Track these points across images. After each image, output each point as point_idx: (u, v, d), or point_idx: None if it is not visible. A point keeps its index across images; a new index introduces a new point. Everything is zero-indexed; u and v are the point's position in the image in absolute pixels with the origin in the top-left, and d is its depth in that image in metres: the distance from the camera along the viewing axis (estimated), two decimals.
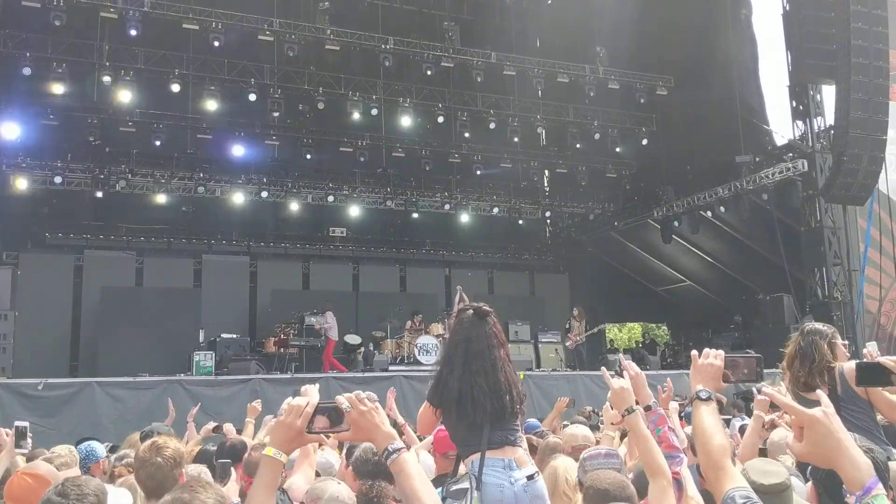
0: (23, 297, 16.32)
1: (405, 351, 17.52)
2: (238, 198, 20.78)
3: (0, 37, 17.57)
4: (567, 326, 18.83)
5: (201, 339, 17.30)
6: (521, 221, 24.26)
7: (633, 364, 3.83)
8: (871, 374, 3.03)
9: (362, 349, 17.89)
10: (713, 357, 2.60)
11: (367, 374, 15.18)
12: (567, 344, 18.75)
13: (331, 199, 21.87)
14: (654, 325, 28.06)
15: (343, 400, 2.31)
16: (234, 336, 17.56)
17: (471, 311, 3.94)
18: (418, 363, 16.73)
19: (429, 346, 17.23)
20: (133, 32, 17.54)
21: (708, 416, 2.40)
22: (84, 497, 2.84)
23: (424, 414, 4.01)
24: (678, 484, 3.37)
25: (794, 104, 19.94)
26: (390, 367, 15.72)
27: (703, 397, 2.46)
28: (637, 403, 3.49)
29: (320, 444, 4.57)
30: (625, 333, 34.18)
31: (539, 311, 21.92)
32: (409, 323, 18.25)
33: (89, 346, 18.74)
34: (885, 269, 19.97)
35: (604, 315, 25.80)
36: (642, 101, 21.57)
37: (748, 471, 2.80)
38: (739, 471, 2.39)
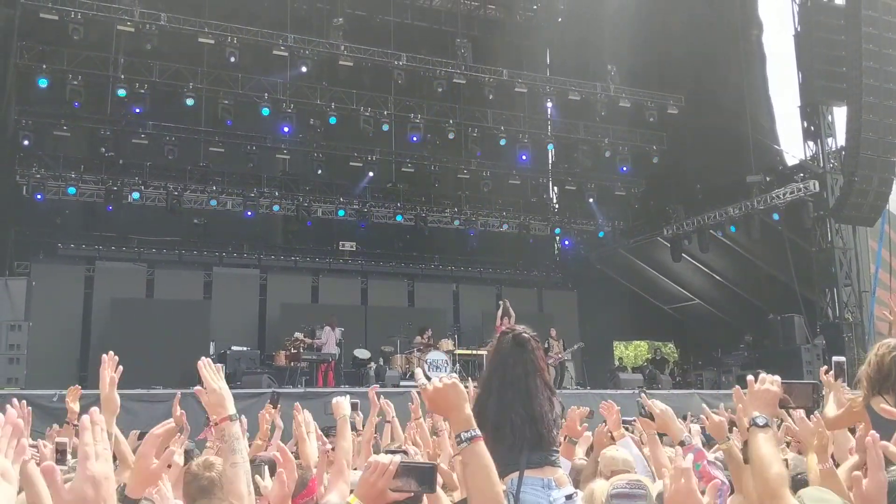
0: (34, 308, 16.35)
1: (415, 366, 17.48)
2: (249, 211, 20.83)
3: (17, 48, 17.74)
4: (546, 346, 18.76)
5: (211, 351, 17.28)
6: (530, 239, 24.22)
7: (657, 401, 3.83)
8: None
9: (373, 364, 17.86)
10: (769, 382, 2.59)
11: (379, 390, 15.13)
12: (549, 363, 18.66)
13: (341, 213, 21.94)
14: (660, 343, 27.99)
15: (424, 381, 2.37)
16: (245, 349, 17.54)
17: (510, 336, 3.95)
18: (427, 379, 16.67)
19: (438, 363, 17.22)
20: (148, 46, 17.71)
21: (765, 443, 2.40)
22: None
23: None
24: None
25: (806, 125, 20.01)
26: (401, 383, 15.68)
27: (761, 424, 2.45)
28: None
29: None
30: (631, 351, 34.14)
31: (547, 328, 21.85)
32: (418, 338, 18.25)
33: (99, 357, 18.69)
34: (895, 290, 19.94)
35: (612, 332, 25.81)
36: (652, 119, 21.66)
37: (803, 498, 2.80)
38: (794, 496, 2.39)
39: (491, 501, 2.27)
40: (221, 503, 2.69)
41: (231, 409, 2.71)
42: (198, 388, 2.67)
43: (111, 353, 3.25)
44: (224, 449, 2.68)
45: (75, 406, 5.15)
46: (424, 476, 2.29)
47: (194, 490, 3.46)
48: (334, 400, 4.34)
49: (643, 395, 3.81)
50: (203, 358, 2.80)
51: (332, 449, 4.77)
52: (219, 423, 2.72)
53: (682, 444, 3.71)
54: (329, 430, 6.02)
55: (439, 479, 2.46)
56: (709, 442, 6.62)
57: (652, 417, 3.75)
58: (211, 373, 2.77)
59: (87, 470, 1.81)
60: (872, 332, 18.91)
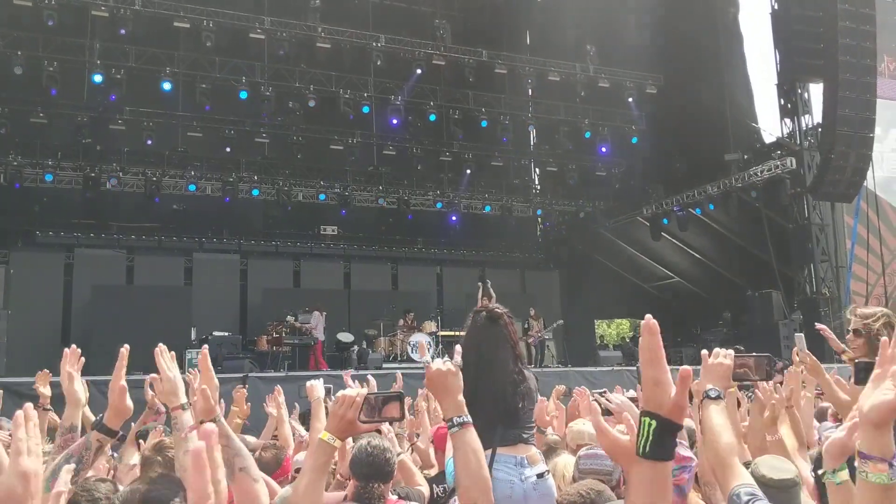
0: (13, 296, 16.27)
1: (398, 349, 17.56)
2: (228, 196, 20.74)
3: None
4: (526, 326, 18.84)
5: (193, 336, 17.29)
6: (512, 221, 24.26)
7: (616, 396, 3.88)
8: (870, 375, 3.12)
9: (355, 347, 17.90)
10: (723, 357, 2.64)
11: (360, 372, 15.20)
12: (529, 341, 18.74)
13: (322, 197, 21.89)
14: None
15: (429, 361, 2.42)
16: (226, 334, 17.51)
17: (484, 314, 4.01)
18: (411, 361, 16.79)
19: (422, 345, 17.27)
20: (123, 31, 17.53)
21: (717, 414, 2.45)
22: (96, 502, 2.88)
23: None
24: (681, 490, 3.46)
25: (783, 102, 20.12)
26: (384, 365, 15.74)
27: (713, 396, 2.50)
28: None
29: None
30: (613, 329, 34.39)
31: (528, 308, 21.97)
32: (401, 321, 18.31)
33: (80, 345, 17.93)
34: (871, 265, 20.17)
35: (594, 311, 25.97)
36: (632, 99, 21.71)
37: (759, 466, 2.87)
38: (751, 465, 2.45)
39: (479, 485, 2.33)
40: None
41: (183, 398, 2.74)
42: (153, 375, 2.70)
43: (73, 346, 3.26)
44: (177, 437, 2.69)
45: (46, 390, 5.17)
46: (392, 405, 2.36)
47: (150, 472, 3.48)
48: (308, 383, 4.39)
49: (605, 393, 3.83)
50: (160, 345, 2.83)
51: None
52: (171, 411, 2.75)
53: None
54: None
55: (406, 412, 2.53)
56: None
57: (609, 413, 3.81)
58: (166, 361, 2.81)
59: (18, 465, 1.83)
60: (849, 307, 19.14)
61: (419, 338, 17.33)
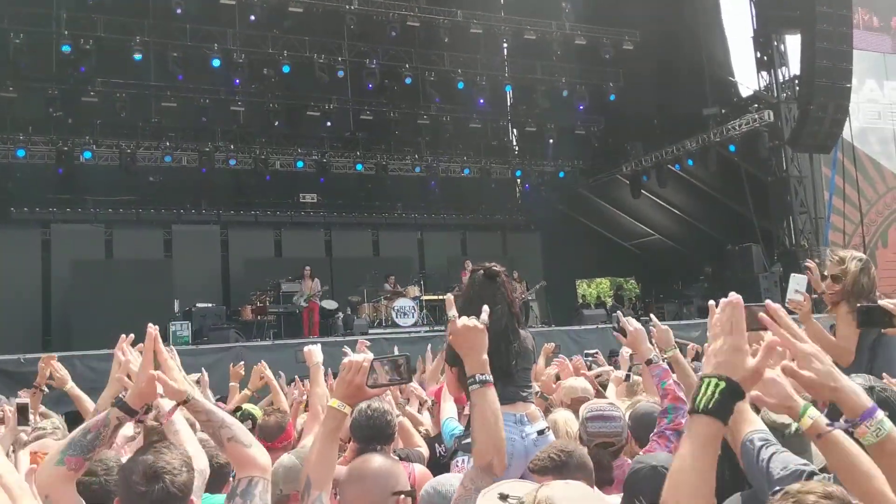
0: None
1: (383, 314, 17.58)
2: (205, 166, 20.48)
3: None
4: None
5: (176, 309, 17.19)
6: (492, 183, 24.17)
7: (633, 320, 3.93)
8: (872, 317, 3.15)
9: (340, 314, 17.90)
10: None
11: (347, 339, 15.21)
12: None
13: (299, 164, 21.70)
14: (622, 279, 28.42)
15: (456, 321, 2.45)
16: (210, 305, 17.42)
17: (481, 272, 4.02)
18: (396, 326, 16.83)
19: (406, 309, 17.32)
20: (91, 1, 17.15)
21: None
22: (111, 471, 2.86)
23: (447, 375, 4.09)
24: (680, 436, 3.49)
25: (759, 55, 20.11)
26: (370, 331, 15.77)
27: None
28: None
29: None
30: (594, 289, 34.59)
31: (511, 271, 22.05)
32: (386, 284, 18.32)
33: (62, 321, 18.52)
34: (848, 216, 20.40)
35: (575, 271, 26.10)
36: (608, 56, 21.58)
37: (769, 412, 2.89)
38: (761, 411, 2.46)
39: (495, 444, 2.36)
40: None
41: (190, 389, 2.66)
42: (158, 373, 2.60)
43: (131, 335, 3.16)
44: (211, 423, 2.58)
45: (47, 371, 5.13)
46: (398, 367, 2.36)
47: None
48: (306, 348, 4.38)
49: (619, 312, 3.90)
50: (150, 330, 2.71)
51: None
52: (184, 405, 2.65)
53: (649, 362, 3.81)
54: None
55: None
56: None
57: (625, 333, 3.85)
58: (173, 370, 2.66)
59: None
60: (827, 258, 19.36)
61: (403, 303, 17.36)
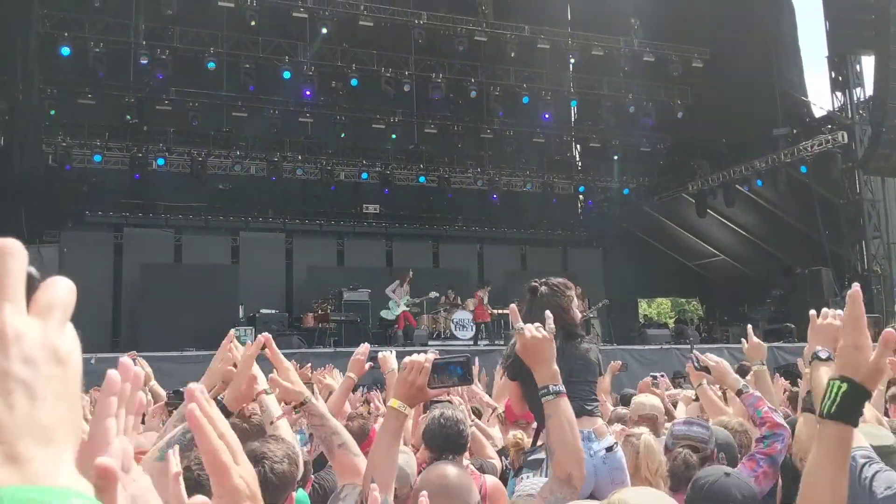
0: (66, 275, 16.39)
1: (441, 326, 17.62)
2: (274, 175, 20.89)
3: (39, 18, 17.77)
4: None
5: (241, 314, 17.51)
6: (554, 198, 24.05)
7: (711, 354, 3.87)
8: None
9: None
10: (832, 317, 2.60)
11: (407, 349, 15.29)
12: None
13: (364, 176, 21.95)
14: (685, 300, 27.97)
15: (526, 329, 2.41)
16: (273, 311, 17.70)
17: (531, 286, 4.01)
18: (454, 338, 16.85)
19: (465, 322, 17.34)
20: (169, 12, 17.68)
21: (826, 375, 2.42)
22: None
23: (503, 387, 4.06)
24: (773, 461, 3.42)
25: (833, 75, 19.68)
26: (429, 343, 15.81)
27: (823, 357, 2.46)
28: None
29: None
30: (654, 309, 34.12)
31: (576, 287, 21.81)
32: (443, 299, 18.35)
33: (131, 323, 19.00)
34: None
35: (637, 290, 25.77)
36: (677, 73, 21.35)
37: (870, 431, 2.84)
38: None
39: (574, 455, 2.35)
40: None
41: (304, 389, 2.78)
42: (273, 376, 2.71)
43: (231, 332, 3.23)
44: (324, 428, 2.69)
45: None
46: (460, 370, 2.34)
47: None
48: (380, 355, 4.39)
49: (695, 351, 3.86)
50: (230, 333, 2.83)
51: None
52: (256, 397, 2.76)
53: (739, 392, 3.74)
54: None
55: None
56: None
57: (707, 370, 3.79)
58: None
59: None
60: None
61: (462, 315, 17.37)
